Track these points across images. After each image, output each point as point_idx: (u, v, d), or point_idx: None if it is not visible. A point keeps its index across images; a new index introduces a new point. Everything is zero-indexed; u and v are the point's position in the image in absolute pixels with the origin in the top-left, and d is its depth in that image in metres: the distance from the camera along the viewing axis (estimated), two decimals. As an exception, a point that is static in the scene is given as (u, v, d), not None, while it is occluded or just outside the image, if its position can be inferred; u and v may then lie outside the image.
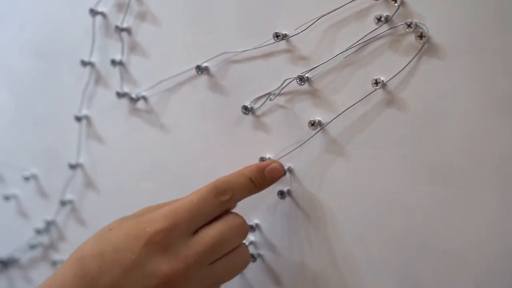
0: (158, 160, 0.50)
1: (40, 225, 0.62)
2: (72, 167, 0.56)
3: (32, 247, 0.63)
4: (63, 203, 0.59)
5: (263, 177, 0.39)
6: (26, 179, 0.61)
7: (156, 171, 0.51)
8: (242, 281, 0.47)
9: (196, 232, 0.36)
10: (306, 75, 0.39)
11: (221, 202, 0.37)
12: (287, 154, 0.41)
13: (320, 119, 0.39)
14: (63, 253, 0.62)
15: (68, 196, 0.59)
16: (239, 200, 0.38)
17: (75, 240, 0.58)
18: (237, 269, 0.38)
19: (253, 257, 0.45)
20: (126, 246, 0.34)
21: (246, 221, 0.38)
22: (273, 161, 0.41)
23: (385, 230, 0.38)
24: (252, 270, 0.46)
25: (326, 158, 0.40)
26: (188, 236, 0.35)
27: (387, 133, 0.36)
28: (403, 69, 0.35)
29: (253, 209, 0.44)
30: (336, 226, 0.40)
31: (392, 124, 0.36)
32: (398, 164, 0.36)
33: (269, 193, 0.42)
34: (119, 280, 0.33)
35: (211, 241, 0.35)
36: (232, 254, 0.37)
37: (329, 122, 0.39)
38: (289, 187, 0.42)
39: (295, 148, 0.41)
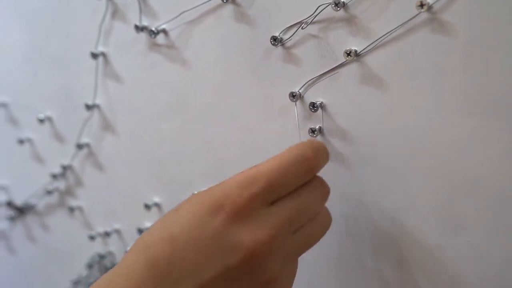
0: (179, 98, 0.49)
1: (56, 169, 0.62)
2: (89, 108, 0.55)
3: (48, 192, 0.63)
4: (79, 146, 0.58)
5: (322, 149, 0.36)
6: (41, 121, 0.60)
7: (177, 111, 0.49)
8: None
9: (276, 200, 0.33)
10: (342, 0, 0.37)
11: (309, 168, 0.34)
12: (317, 82, 0.40)
13: (356, 48, 0.37)
14: (80, 199, 0.62)
15: (85, 139, 0.58)
16: (321, 167, 0.36)
17: (93, 185, 0.58)
18: (321, 234, 0.35)
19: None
20: (199, 224, 0.31)
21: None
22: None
23: (424, 167, 0.36)
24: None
25: (362, 91, 0.38)
26: (269, 205, 0.32)
27: (430, 62, 0.34)
28: (452, -11, 0.32)
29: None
30: (371, 165, 0.39)
31: (436, 52, 0.34)
32: (441, 96, 0.34)
33: (300, 131, 0.41)
34: (196, 264, 0.30)
35: (296, 208, 0.33)
36: (315, 218, 0.35)
37: (365, 49, 0.37)
38: (320, 125, 0.40)
39: (328, 76, 0.39)
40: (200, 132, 0.49)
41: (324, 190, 0.35)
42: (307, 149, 0.34)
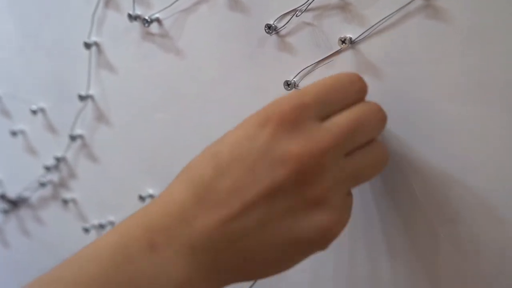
0: (173, 88, 0.49)
1: (50, 161, 0.62)
2: (82, 98, 0.55)
3: (42, 185, 0.63)
4: (72, 138, 0.58)
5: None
6: (34, 112, 0.61)
7: (171, 101, 0.50)
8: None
9: (327, 117, 0.31)
10: (336, -13, 0.37)
11: (356, 90, 0.33)
12: (312, 70, 0.40)
13: (351, 36, 0.37)
14: (74, 191, 0.62)
15: (78, 131, 0.58)
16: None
17: (86, 177, 0.58)
18: (376, 166, 0.34)
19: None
20: (246, 138, 0.30)
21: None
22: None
23: (425, 154, 0.37)
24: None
25: (357, 79, 0.38)
26: (320, 120, 0.31)
27: (427, 49, 0.35)
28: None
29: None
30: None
31: (432, 39, 0.34)
32: (439, 83, 0.35)
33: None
34: (241, 180, 0.29)
35: (348, 124, 0.30)
36: (370, 147, 0.33)
37: (360, 36, 0.37)
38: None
39: (323, 64, 0.39)
40: (195, 122, 0.49)
41: (380, 115, 0.33)
42: (352, 74, 0.33)
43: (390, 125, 0.36)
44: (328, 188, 0.30)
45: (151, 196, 0.54)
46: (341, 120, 0.31)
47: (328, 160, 0.29)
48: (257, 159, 0.29)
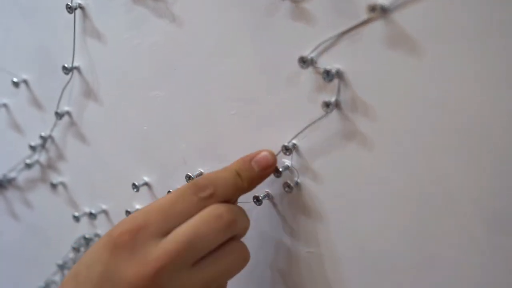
0: (169, 62, 0.43)
1: (36, 141, 0.57)
2: (67, 70, 0.49)
3: (28, 165, 0.58)
4: (59, 115, 0.52)
5: (250, 168, 0.36)
6: (16, 85, 0.55)
7: (167, 77, 0.43)
8: (274, 216, 0.41)
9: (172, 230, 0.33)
10: None
11: (199, 198, 0.33)
12: (333, 44, 0.33)
13: (383, 2, 0.30)
14: (63, 174, 0.57)
15: (65, 107, 0.52)
16: (225, 197, 0.35)
17: (76, 160, 0.53)
18: (233, 267, 0.34)
19: (288, 187, 0.38)
20: (95, 258, 0.32)
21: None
22: (262, 150, 0.37)
23: (462, 144, 0.30)
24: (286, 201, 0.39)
25: (390, 56, 0.31)
26: (160, 237, 0.32)
27: (476, 21, 0.28)
28: None
29: (291, 127, 0.37)
30: (400, 146, 0.33)
31: (483, 9, 0.27)
32: (486, 64, 0.28)
33: (312, 108, 0.35)
34: None
35: (184, 238, 0.31)
36: (221, 250, 0.33)
37: (395, 3, 0.30)
38: (336, 97, 0.34)
39: (347, 37, 0.32)
40: (194, 102, 0.43)
41: (221, 218, 0.33)
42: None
43: (422, 116, 0.30)
44: None
45: (146, 184, 0.49)
46: (180, 231, 0.32)
47: (167, 277, 0.31)
48: (103, 280, 0.31)
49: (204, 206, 0.33)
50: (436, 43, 0.29)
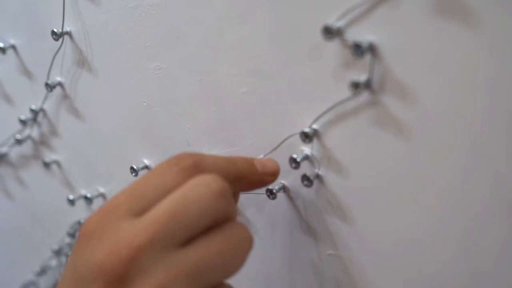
0: (171, 28, 0.38)
1: (26, 114, 0.52)
2: (57, 36, 0.45)
3: (18, 141, 0.54)
4: (50, 86, 0.48)
5: (250, 163, 0.33)
6: (3, 50, 0.50)
7: (169, 46, 0.39)
8: (290, 211, 0.36)
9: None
10: None
11: (180, 168, 0.29)
12: (367, 12, 0.28)
13: (431, -42, 0.25)
14: (57, 152, 0.53)
15: (57, 78, 0.48)
16: (212, 170, 0.30)
17: (70, 137, 0.50)
18: (232, 248, 0.29)
19: (307, 180, 0.34)
20: (71, 258, 0.29)
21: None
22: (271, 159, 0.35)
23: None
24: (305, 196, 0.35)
25: (438, 26, 0.26)
26: (134, 216, 0.28)
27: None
28: None
29: (312, 110, 0.32)
30: (445, 136, 0.28)
31: None
32: None
33: (338, 88, 0.30)
34: None
35: (167, 209, 0.27)
36: (216, 228, 0.28)
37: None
38: (368, 76, 0.29)
39: (384, 3, 0.27)
40: (200, 76, 0.38)
41: (209, 186, 0.28)
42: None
43: (471, 99, 0.24)
44: (161, 285, 0.26)
45: (146, 167, 0.44)
46: (162, 204, 0.28)
47: (146, 259, 0.26)
48: (73, 276, 0.28)
49: (187, 178, 0.29)
50: (495, 11, 0.24)
